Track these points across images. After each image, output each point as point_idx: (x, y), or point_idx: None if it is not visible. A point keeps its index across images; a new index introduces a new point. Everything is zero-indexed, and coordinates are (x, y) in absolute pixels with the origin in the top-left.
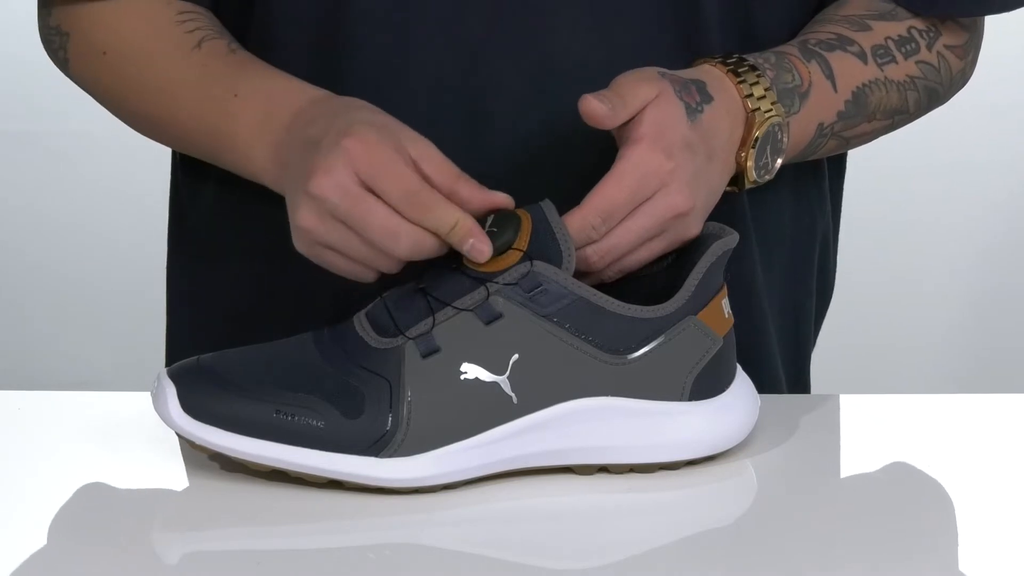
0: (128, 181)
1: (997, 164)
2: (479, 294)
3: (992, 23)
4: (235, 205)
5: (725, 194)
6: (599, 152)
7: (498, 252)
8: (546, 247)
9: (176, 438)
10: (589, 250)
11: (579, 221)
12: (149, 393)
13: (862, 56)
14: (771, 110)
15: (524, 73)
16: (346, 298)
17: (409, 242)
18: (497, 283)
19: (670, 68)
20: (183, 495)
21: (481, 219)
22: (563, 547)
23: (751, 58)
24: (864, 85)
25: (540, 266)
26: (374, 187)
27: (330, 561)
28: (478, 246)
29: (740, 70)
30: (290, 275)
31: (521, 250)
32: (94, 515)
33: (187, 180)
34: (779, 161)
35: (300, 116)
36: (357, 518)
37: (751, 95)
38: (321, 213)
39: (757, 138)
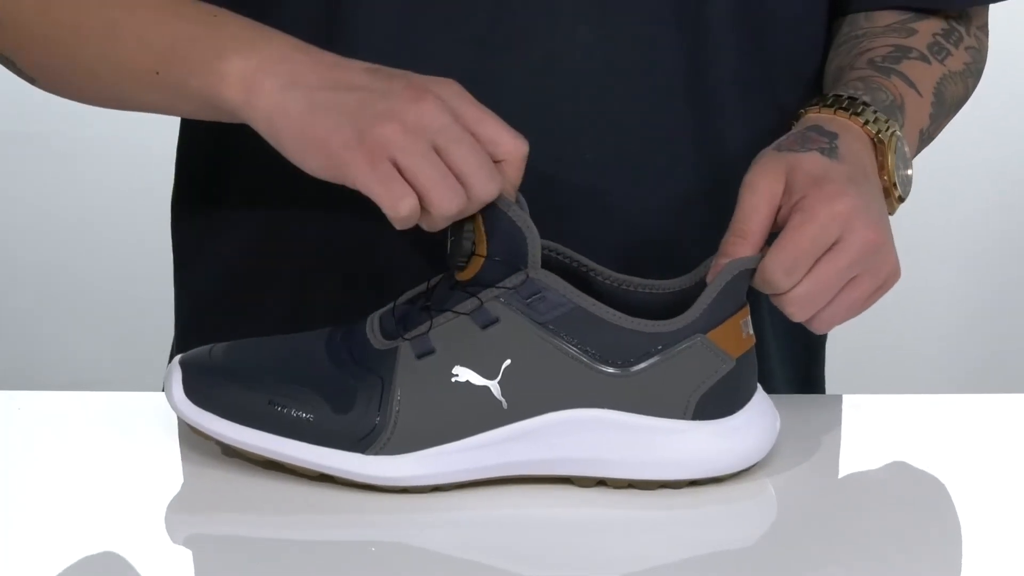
0: (129, 181)
1: (997, 164)
2: (472, 303)
3: (992, 23)
4: (239, 176)
5: (724, 197)
6: (602, 148)
7: (465, 260)
8: (509, 238)
9: (176, 439)
10: (785, 300)
11: (760, 275)
12: (149, 393)
13: (925, 59)
14: (890, 127)
15: (527, 68)
16: (345, 265)
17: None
18: (498, 288)
19: (674, 63)
20: (182, 495)
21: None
22: (544, 556)
23: (843, 91)
24: (939, 83)
25: (540, 273)
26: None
27: (313, 554)
28: None
29: (844, 105)
30: (291, 240)
31: (482, 256)
32: (94, 515)
33: (194, 149)
34: (910, 171)
35: (312, 51)
36: (343, 513)
37: (867, 121)
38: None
39: (892, 157)
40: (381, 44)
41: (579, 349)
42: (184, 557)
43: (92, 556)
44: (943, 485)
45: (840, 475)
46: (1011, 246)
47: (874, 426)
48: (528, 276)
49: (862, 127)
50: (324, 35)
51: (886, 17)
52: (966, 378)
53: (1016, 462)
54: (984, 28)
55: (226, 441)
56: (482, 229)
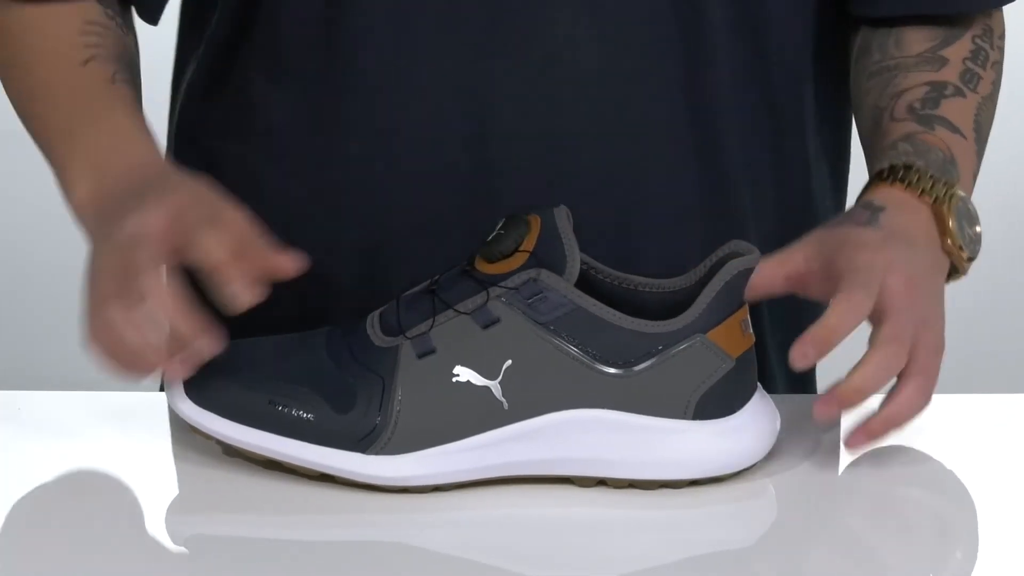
0: None
1: (997, 164)
2: (480, 298)
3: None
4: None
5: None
6: (599, 150)
7: (506, 255)
8: (551, 251)
9: (176, 439)
10: (879, 339)
11: (826, 330)
12: (149, 393)
13: (960, 93)
14: (948, 190)
15: (525, 72)
16: (348, 265)
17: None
18: (500, 287)
19: (673, 63)
20: (182, 495)
21: (492, 224)
22: (544, 556)
23: (897, 159)
24: (976, 116)
25: (543, 274)
26: None
27: (313, 554)
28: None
29: (899, 175)
30: (294, 240)
31: (528, 251)
32: (93, 515)
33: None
34: (978, 228)
35: (125, 176)
36: (343, 513)
37: (923, 190)
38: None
39: (953, 222)
40: (380, 47)
41: (580, 349)
42: (184, 557)
43: (92, 556)
44: (942, 485)
45: (840, 475)
46: (1011, 246)
47: None
48: (530, 276)
49: (918, 197)
50: (323, 37)
51: (915, 44)
52: (966, 378)
53: (1016, 462)
54: (1003, 36)
55: (227, 441)
56: (536, 234)
